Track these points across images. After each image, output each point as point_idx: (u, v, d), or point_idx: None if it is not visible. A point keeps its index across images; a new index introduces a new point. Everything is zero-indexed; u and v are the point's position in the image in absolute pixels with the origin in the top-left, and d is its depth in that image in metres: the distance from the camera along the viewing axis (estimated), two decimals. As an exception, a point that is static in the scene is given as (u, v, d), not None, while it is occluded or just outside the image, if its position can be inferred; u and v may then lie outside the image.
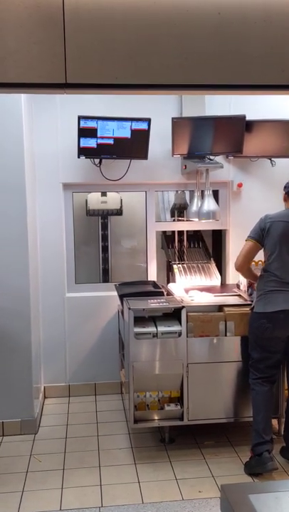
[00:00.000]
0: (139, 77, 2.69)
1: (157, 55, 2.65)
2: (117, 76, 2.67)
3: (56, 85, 2.66)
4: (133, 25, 2.60)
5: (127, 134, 4.23)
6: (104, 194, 4.98)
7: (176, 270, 4.57)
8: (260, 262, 3.86)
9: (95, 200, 4.95)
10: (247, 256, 3.56)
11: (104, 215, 5.18)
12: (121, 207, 5.01)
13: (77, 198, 4.89)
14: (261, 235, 3.47)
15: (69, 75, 2.63)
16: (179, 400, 3.70)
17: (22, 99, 3.82)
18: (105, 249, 5.48)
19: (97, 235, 5.48)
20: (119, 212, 5.00)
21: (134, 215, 5.39)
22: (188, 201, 4.79)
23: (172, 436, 3.83)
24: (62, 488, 3.25)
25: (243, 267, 3.60)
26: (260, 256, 3.94)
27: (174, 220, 4.90)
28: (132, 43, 2.63)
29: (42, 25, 2.53)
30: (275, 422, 3.87)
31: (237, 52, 2.71)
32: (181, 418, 3.66)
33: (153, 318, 3.76)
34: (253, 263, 3.85)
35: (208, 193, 4.29)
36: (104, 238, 5.47)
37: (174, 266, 4.62)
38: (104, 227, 5.45)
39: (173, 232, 4.95)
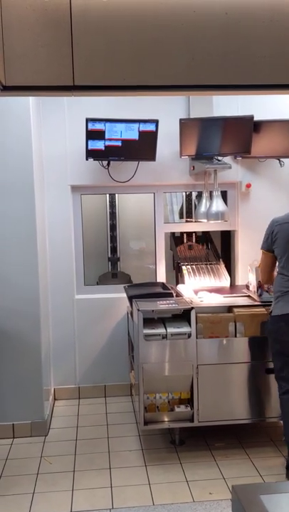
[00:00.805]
0: (146, 78, 2.70)
1: (164, 56, 2.66)
2: (125, 78, 2.68)
3: (64, 88, 2.68)
4: (140, 27, 2.61)
5: (135, 136, 4.23)
6: (114, 276, 5.07)
7: (185, 271, 4.56)
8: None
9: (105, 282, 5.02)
10: (265, 269, 3.55)
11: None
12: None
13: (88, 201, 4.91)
14: (270, 243, 3.43)
15: (77, 77, 2.64)
16: (189, 401, 3.69)
17: (30, 102, 3.84)
18: (114, 250, 5.49)
19: (105, 237, 5.49)
20: None
21: (143, 216, 5.39)
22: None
23: (182, 438, 3.82)
24: (72, 490, 3.25)
25: (268, 279, 3.58)
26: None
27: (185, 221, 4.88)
28: (139, 44, 2.63)
29: (49, 28, 2.55)
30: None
31: (244, 53, 2.70)
32: (192, 420, 3.65)
33: (162, 320, 3.75)
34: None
35: (217, 193, 4.27)
36: (113, 240, 5.48)
37: (183, 267, 4.61)
38: (113, 228, 5.45)
39: (181, 233, 4.95)
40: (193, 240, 4.89)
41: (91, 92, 2.80)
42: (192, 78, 2.72)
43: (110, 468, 3.50)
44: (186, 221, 4.90)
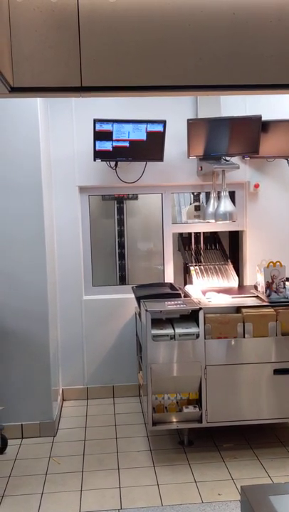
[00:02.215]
0: (154, 78, 2.69)
1: (171, 56, 2.65)
2: (132, 78, 2.67)
3: (72, 89, 2.68)
4: (147, 27, 2.61)
5: (143, 137, 4.23)
6: None
7: (193, 272, 4.55)
8: (277, 263, 3.82)
9: None
10: None
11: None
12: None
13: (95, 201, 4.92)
14: None
15: (84, 78, 2.64)
16: (198, 402, 3.68)
17: (38, 103, 3.86)
18: (122, 252, 5.48)
19: (113, 238, 5.49)
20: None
21: (151, 217, 5.38)
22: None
23: (191, 439, 3.81)
24: (81, 490, 3.25)
25: None
26: (279, 257, 3.92)
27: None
28: (146, 44, 2.63)
29: (57, 29, 2.55)
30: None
31: (252, 52, 2.69)
32: (200, 420, 3.64)
33: (170, 320, 3.75)
34: (271, 264, 3.82)
35: (225, 194, 4.26)
36: (121, 241, 5.47)
37: (191, 268, 4.60)
38: (121, 230, 5.45)
39: (189, 234, 4.94)
40: (202, 241, 4.88)
41: (99, 93, 2.79)
42: (200, 78, 2.71)
43: (119, 469, 3.50)
44: (194, 216, 4.87)
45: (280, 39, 2.71)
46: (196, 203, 5.01)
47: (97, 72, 2.64)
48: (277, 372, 3.65)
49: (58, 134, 4.51)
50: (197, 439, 3.83)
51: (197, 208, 4.89)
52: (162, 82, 2.71)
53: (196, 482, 3.31)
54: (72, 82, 2.65)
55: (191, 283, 4.52)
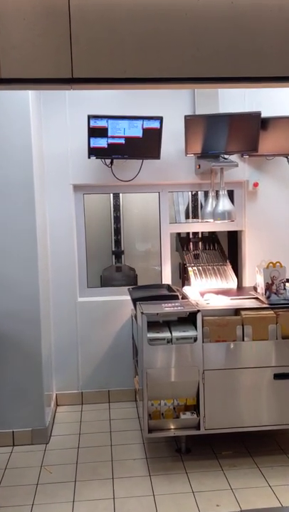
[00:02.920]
0: (149, 70, 2.58)
1: (167, 47, 2.54)
2: (126, 70, 2.56)
3: (62, 80, 2.56)
4: (142, 16, 2.49)
5: (139, 133, 4.10)
6: (119, 270, 4.93)
7: (191, 273, 4.42)
8: (277, 264, 3.69)
9: (109, 275, 4.93)
10: None
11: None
12: (136, 280, 4.94)
13: (91, 201, 4.79)
14: None
15: (75, 69, 2.52)
16: (195, 408, 3.55)
17: (29, 98, 3.72)
18: (118, 254, 5.35)
19: (110, 237, 5.35)
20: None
21: (148, 216, 5.26)
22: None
23: (188, 446, 3.68)
24: (73, 501, 3.11)
25: None
26: (278, 257, 3.80)
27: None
28: (142, 34, 2.51)
29: (46, 17, 2.43)
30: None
31: (252, 43, 2.58)
32: (198, 427, 3.51)
33: (167, 323, 3.62)
34: (271, 264, 3.69)
35: (223, 192, 4.14)
36: (117, 241, 5.34)
37: (189, 268, 4.47)
38: (117, 229, 5.32)
39: (187, 234, 4.81)
40: (200, 241, 4.75)
41: (91, 85, 2.68)
42: (197, 70, 2.60)
43: (113, 478, 3.36)
44: (192, 221, 4.77)
45: (281, 30, 2.60)
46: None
47: (89, 63, 2.52)
48: (277, 376, 3.52)
49: (51, 130, 4.38)
50: (195, 446, 3.69)
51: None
52: (158, 74, 2.59)
53: (193, 492, 3.17)
54: (62, 73, 2.53)
55: (189, 284, 4.39)
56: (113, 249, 5.30)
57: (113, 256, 5.33)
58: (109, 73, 2.56)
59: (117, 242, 5.23)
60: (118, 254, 5.21)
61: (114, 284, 4.91)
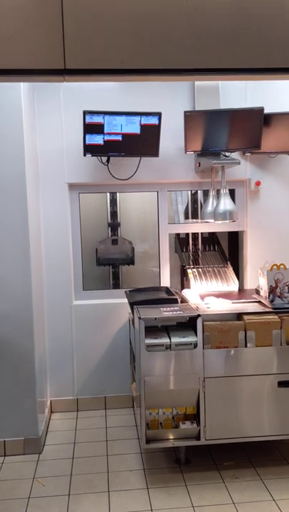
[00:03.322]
0: (147, 61, 2.42)
1: (167, 36, 2.38)
2: (123, 60, 2.40)
3: (54, 71, 2.40)
4: (139, 3, 2.34)
5: (137, 130, 3.94)
6: (114, 242, 4.73)
7: (190, 275, 4.26)
8: (281, 266, 3.53)
9: (105, 249, 4.74)
10: None
11: (116, 265, 4.92)
12: (133, 255, 4.78)
13: (87, 200, 4.62)
14: None
15: (68, 59, 2.36)
16: (195, 417, 3.39)
17: (22, 92, 3.56)
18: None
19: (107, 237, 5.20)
20: (131, 261, 4.79)
21: (146, 217, 5.10)
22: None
23: (188, 457, 3.52)
24: (67, 517, 2.96)
25: None
26: (282, 259, 3.65)
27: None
28: (139, 22, 2.35)
29: (38, 5, 2.27)
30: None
31: (257, 32, 2.43)
32: (198, 437, 3.35)
33: (166, 328, 3.46)
34: (275, 266, 3.53)
35: (225, 191, 3.97)
36: (114, 241, 5.18)
37: (189, 270, 4.31)
38: (114, 230, 5.16)
39: (187, 234, 4.65)
40: (200, 242, 4.60)
41: (85, 77, 2.49)
42: (198, 61, 2.45)
43: (109, 492, 3.20)
44: (192, 221, 4.62)
45: (286, 19, 2.44)
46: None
47: (82, 53, 2.36)
48: (281, 384, 3.37)
49: (46, 126, 4.21)
50: (195, 456, 3.53)
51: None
52: (156, 65, 2.44)
53: (193, 507, 3.01)
54: (54, 63, 2.37)
55: (188, 287, 4.23)
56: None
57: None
58: (105, 64, 2.40)
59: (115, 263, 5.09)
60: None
61: (109, 258, 4.74)
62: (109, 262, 4.81)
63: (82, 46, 2.35)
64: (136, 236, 5.37)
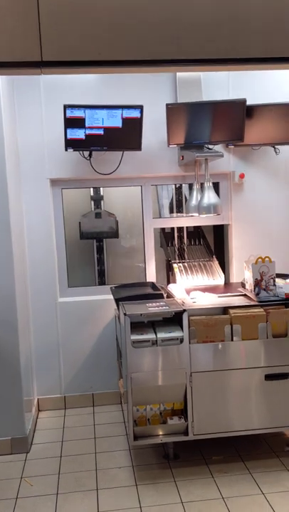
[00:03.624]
0: (125, 52, 2.37)
1: (146, 26, 2.33)
2: (101, 52, 2.35)
3: (31, 64, 2.34)
4: (117, -7, 2.28)
5: (118, 124, 3.89)
6: (98, 216, 4.67)
7: (176, 269, 4.23)
8: (266, 259, 3.51)
9: (89, 222, 4.67)
10: None
11: (100, 238, 4.88)
12: (117, 228, 4.73)
13: (70, 196, 4.57)
14: None
15: (45, 51, 2.31)
16: (183, 412, 3.37)
17: (0, 84, 3.48)
18: (100, 249, 5.14)
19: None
20: (115, 234, 4.73)
21: (130, 212, 5.05)
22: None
23: (176, 452, 3.50)
24: (55, 516, 2.92)
25: None
26: (267, 252, 3.63)
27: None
28: (117, 12, 2.30)
29: (11, -5, 2.21)
30: None
31: (238, 21, 2.40)
32: (186, 433, 3.33)
33: (152, 324, 3.43)
34: (260, 259, 3.51)
35: (208, 185, 3.94)
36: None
37: (174, 265, 4.28)
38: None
39: (172, 229, 4.62)
40: (185, 236, 4.57)
41: (62, 69, 2.45)
42: (178, 52, 2.41)
43: (97, 489, 3.17)
44: (177, 216, 4.59)
45: (267, 8, 2.41)
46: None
47: (59, 45, 2.31)
48: (268, 377, 3.36)
49: (26, 121, 4.14)
50: (183, 451, 3.51)
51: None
52: (135, 57, 2.39)
53: (182, 503, 2.99)
54: (31, 56, 2.31)
55: (174, 281, 4.20)
56: (95, 244, 5.10)
57: (95, 252, 5.14)
58: (83, 56, 2.35)
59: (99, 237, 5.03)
60: (100, 248, 5.04)
61: (93, 231, 4.68)
62: (92, 235, 4.74)
63: (59, 38, 2.30)
64: (120, 231, 5.33)
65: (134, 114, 3.88)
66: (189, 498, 3.03)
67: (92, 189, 4.80)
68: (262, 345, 3.35)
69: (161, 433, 3.35)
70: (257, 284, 3.53)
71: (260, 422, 3.39)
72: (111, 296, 4.05)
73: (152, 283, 4.24)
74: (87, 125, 3.84)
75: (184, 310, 3.32)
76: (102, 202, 4.92)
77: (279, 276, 3.63)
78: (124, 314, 3.28)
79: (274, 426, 3.42)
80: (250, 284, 3.62)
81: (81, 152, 4.09)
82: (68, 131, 3.83)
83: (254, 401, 3.37)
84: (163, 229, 4.68)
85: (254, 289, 3.54)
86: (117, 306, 3.75)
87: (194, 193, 4.15)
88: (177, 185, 4.77)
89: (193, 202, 4.12)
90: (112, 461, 3.50)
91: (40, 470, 3.43)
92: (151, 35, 2.35)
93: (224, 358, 3.34)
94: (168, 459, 3.48)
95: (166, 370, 3.30)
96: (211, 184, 3.97)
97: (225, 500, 3.00)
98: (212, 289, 3.90)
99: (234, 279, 4.50)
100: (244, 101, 3.90)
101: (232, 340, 3.34)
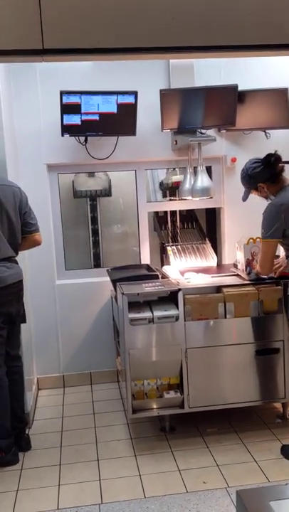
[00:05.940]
0: (123, 40, 2.46)
1: (142, 15, 2.42)
2: (100, 40, 2.44)
3: (32, 52, 2.43)
4: (115, -18, 2.37)
5: (113, 109, 3.98)
6: (91, 175, 4.76)
7: (170, 252, 4.36)
8: (257, 240, 3.65)
9: (82, 181, 4.73)
10: (271, 259, 3.34)
11: (93, 197, 4.94)
12: (110, 187, 4.79)
13: (64, 179, 4.66)
14: (282, 230, 3.23)
15: (46, 39, 2.38)
16: (179, 386, 3.52)
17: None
18: (95, 233, 5.26)
19: (86, 219, 5.25)
20: (108, 193, 4.78)
21: (124, 196, 5.16)
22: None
23: (173, 425, 3.66)
24: (59, 485, 3.07)
25: (271, 268, 3.39)
26: (258, 233, 3.76)
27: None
28: (114, 2, 2.39)
29: (13, -16, 2.29)
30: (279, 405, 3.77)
31: (229, 9, 2.47)
32: (182, 406, 3.48)
33: (148, 303, 3.57)
34: (251, 240, 3.65)
35: (202, 168, 4.06)
36: (94, 221, 5.25)
37: (168, 248, 4.41)
38: (94, 209, 5.22)
39: (165, 212, 4.74)
40: (178, 220, 4.69)
41: (63, 57, 2.54)
42: (172, 39, 2.49)
43: (98, 460, 3.33)
44: (170, 199, 4.70)
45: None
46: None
47: (60, 33, 2.38)
48: (259, 353, 3.52)
49: (23, 107, 4.22)
50: (179, 424, 3.68)
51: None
52: (132, 44, 2.47)
53: (179, 470, 3.16)
54: (32, 44, 2.40)
55: (168, 264, 4.33)
56: (90, 227, 5.21)
57: (90, 236, 5.26)
58: (83, 44, 2.43)
59: (94, 220, 5.15)
60: (95, 232, 5.16)
61: (86, 190, 4.74)
62: (86, 194, 4.80)
63: (60, 26, 2.38)
64: (115, 215, 5.45)
65: (129, 99, 3.98)
66: (186, 466, 3.20)
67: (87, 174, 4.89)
68: (253, 322, 3.50)
69: (158, 406, 3.50)
70: (248, 263, 3.68)
71: (251, 395, 3.55)
72: (107, 278, 4.17)
73: (147, 265, 4.38)
74: (82, 111, 3.93)
75: (179, 289, 3.45)
76: (101, 254, 5.04)
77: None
78: (122, 294, 3.41)
79: (265, 398, 3.59)
80: (241, 264, 3.77)
81: (77, 137, 4.19)
82: (65, 116, 3.92)
83: (245, 375, 3.52)
84: (156, 213, 4.80)
85: (246, 268, 3.68)
86: (114, 287, 3.88)
87: (188, 176, 4.26)
88: (170, 170, 4.85)
89: (187, 185, 4.23)
90: (111, 435, 3.66)
91: (42, 444, 3.58)
92: (146, 24, 2.43)
93: (218, 334, 3.49)
94: (165, 431, 3.64)
95: (162, 347, 3.44)
96: (204, 168, 4.09)
97: (220, 468, 3.16)
98: (205, 271, 4.04)
99: (226, 260, 4.63)
100: (236, 86, 4.01)
101: (225, 317, 3.48)
